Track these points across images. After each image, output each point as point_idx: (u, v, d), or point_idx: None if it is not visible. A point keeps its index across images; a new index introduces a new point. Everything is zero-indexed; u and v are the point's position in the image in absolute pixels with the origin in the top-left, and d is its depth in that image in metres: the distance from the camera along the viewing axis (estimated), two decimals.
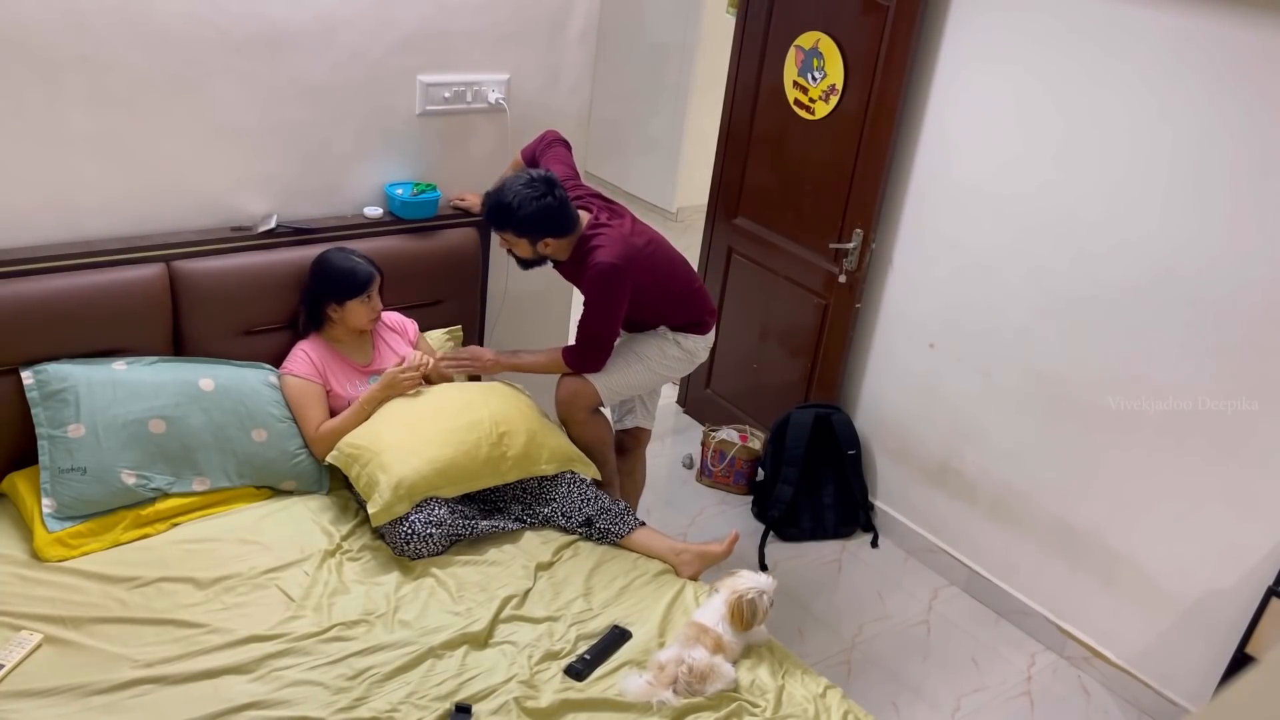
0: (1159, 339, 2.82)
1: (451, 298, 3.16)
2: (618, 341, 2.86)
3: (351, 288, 2.72)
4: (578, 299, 2.89)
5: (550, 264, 2.82)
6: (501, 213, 2.65)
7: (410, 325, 2.98)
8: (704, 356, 3.02)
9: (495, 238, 2.85)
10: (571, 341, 2.84)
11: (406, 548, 2.44)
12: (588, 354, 2.79)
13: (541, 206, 2.61)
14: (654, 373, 2.92)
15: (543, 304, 3.54)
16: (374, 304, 2.77)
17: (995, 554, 3.38)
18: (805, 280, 3.70)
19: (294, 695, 2.03)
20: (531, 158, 2.98)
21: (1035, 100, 2.97)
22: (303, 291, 2.80)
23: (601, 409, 2.91)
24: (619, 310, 2.73)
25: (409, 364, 2.76)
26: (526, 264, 2.80)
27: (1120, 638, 3.07)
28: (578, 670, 2.18)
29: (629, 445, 3.13)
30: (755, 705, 2.17)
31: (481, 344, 3.31)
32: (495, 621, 2.29)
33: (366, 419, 2.67)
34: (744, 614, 2.26)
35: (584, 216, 2.75)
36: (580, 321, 2.77)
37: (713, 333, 3.00)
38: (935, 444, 3.49)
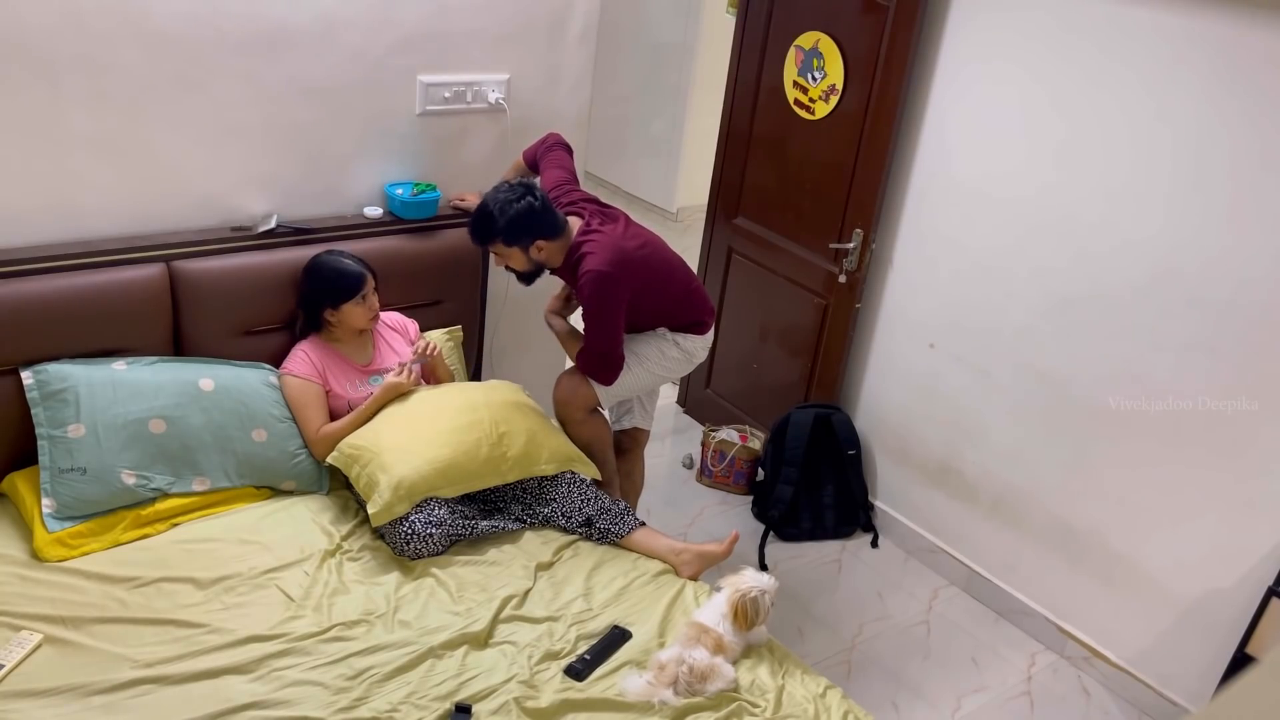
0: (1159, 339, 2.82)
1: (451, 298, 3.17)
2: None
3: (344, 291, 2.72)
4: None
5: (549, 272, 2.81)
6: (485, 224, 2.64)
7: (411, 325, 2.98)
8: (703, 357, 3.01)
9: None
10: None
11: (406, 548, 2.44)
12: (595, 365, 2.75)
13: (522, 208, 2.59)
14: (653, 374, 2.91)
15: (543, 304, 3.52)
16: (370, 303, 2.77)
17: (995, 554, 3.38)
18: (805, 280, 3.70)
19: (294, 695, 2.03)
20: (533, 159, 2.98)
21: (1035, 100, 2.97)
22: (298, 297, 2.80)
23: (599, 409, 2.91)
24: (617, 317, 2.70)
25: (415, 350, 2.79)
26: (527, 277, 2.78)
27: (1120, 638, 3.07)
28: (578, 670, 2.18)
29: (627, 446, 3.12)
30: (755, 705, 2.17)
31: (482, 345, 3.31)
32: (495, 621, 2.29)
33: (366, 423, 2.67)
34: (747, 612, 2.27)
35: (576, 223, 2.73)
36: (583, 335, 2.75)
37: (711, 333, 2.99)
38: (935, 444, 3.49)
